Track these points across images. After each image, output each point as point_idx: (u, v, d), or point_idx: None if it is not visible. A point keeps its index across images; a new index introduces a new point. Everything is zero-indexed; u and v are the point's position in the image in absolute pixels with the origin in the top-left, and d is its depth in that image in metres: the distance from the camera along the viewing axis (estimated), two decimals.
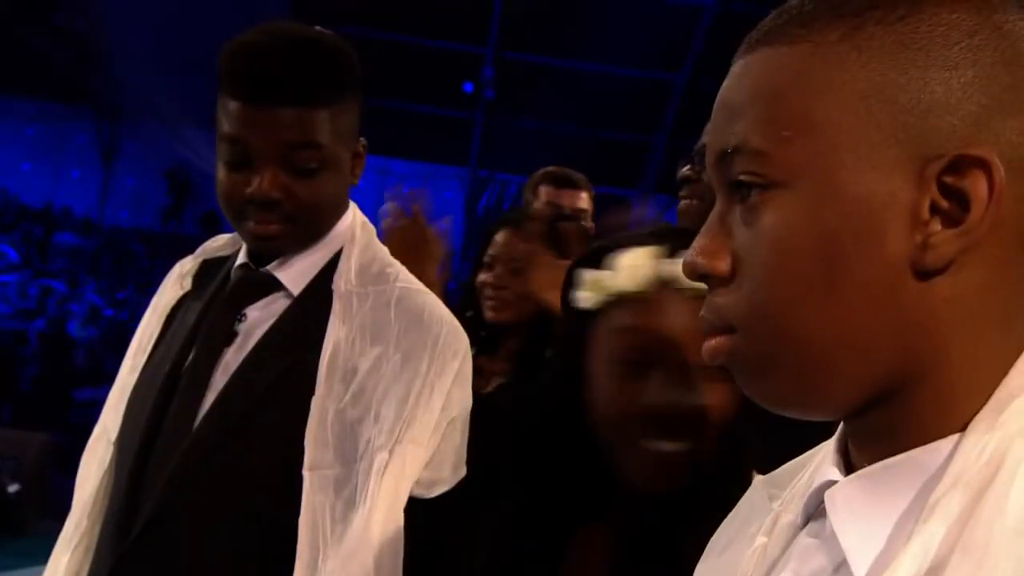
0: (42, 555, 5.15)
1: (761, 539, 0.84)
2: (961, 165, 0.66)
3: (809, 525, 0.78)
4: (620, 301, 1.32)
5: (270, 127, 1.59)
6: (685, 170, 2.34)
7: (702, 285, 1.10)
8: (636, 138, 15.81)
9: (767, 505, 0.87)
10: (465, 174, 15.36)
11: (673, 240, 1.29)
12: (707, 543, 1.04)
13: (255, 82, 1.58)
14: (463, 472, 1.69)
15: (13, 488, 5.79)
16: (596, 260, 1.35)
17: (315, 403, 1.59)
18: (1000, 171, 0.66)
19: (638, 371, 1.29)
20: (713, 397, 1.27)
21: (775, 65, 0.73)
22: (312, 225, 1.70)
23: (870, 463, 0.72)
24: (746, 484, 0.97)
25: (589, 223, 3.07)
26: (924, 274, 0.69)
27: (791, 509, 0.81)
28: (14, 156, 16.57)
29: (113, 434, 1.72)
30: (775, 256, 0.73)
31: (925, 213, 0.67)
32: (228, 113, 1.60)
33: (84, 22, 14.11)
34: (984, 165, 0.66)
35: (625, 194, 15.78)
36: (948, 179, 0.67)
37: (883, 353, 0.72)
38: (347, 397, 1.62)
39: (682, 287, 1.27)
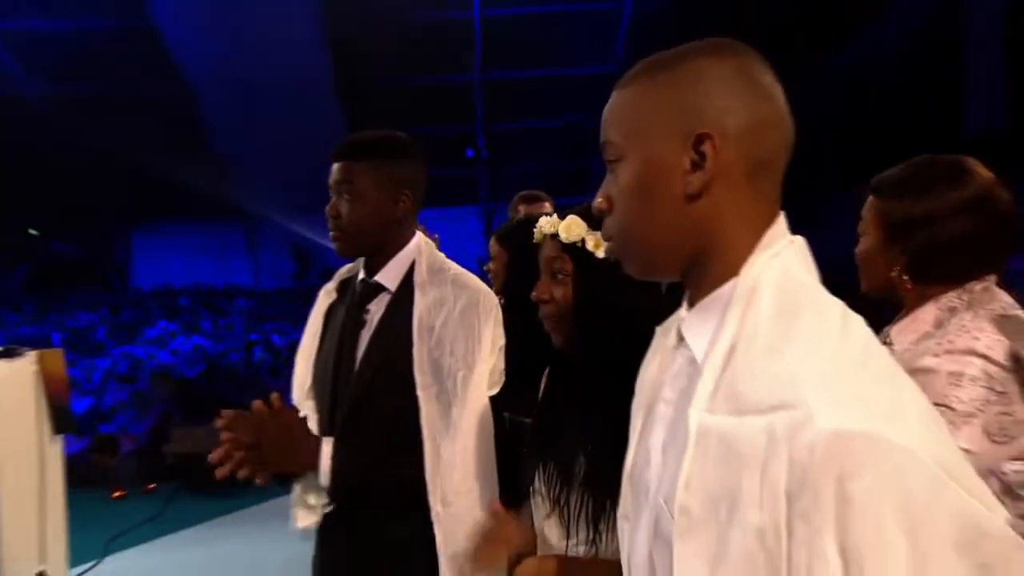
0: (266, 496, 5.34)
1: (658, 358, 0.96)
2: (701, 139, 0.82)
3: (680, 345, 0.90)
4: (538, 243, 1.44)
5: (339, 172, 1.71)
6: None
7: (563, 233, 1.37)
8: (591, 164, 14.70)
9: (662, 340, 0.97)
10: (478, 210, 15.23)
11: (560, 214, 1.40)
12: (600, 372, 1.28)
13: (333, 153, 1.73)
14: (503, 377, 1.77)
15: None
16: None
17: (415, 352, 1.67)
18: (717, 140, 0.81)
19: (541, 278, 1.42)
20: (558, 290, 1.39)
21: (623, 98, 0.89)
22: (353, 238, 1.74)
23: (699, 301, 0.87)
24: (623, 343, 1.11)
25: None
26: (693, 198, 0.83)
27: (671, 338, 0.93)
28: (194, 260, 16.88)
29: (306, 386, 1.84)
30: (623, 196, 0.88)
31: (687, 165, 0.83)
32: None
33: (218, 156, 14.29)
34: (710, 137, 0.81)
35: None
36: (697, 147, 0.82)
37: (683, 242, 0.86)
38: (432, 344, 1.68)
39: (552, 235, 1.39)
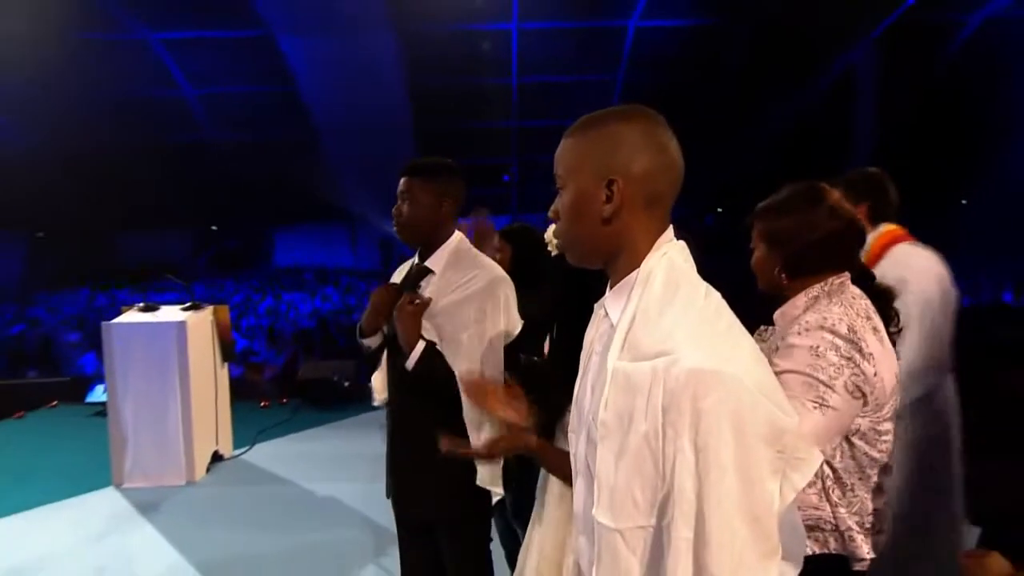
0: (361, 411, 5.28)
1: (595, 324, 0.92)
2: (611, 181, 0.80)
3: (605, 315, 0.86)
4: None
5: (402, 185, 1.62)
6: None
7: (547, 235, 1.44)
8: None
9: (597, 311, 0.92)
10: (510, 220, 13.73)
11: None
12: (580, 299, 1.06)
13: (400, 170, 1.63)
14: (519, 323, 1.63)
15: (347, 384, 5.74)
16: None
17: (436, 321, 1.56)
18: (621, 183, 0.80)
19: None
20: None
21: (566, 145, 0.85)
22: (409, 231, 1.64)
23: (615, 285, 0.85)
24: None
25: None
26: (607, 221, 0.82)
27: (602, 310, 0.89)
28: (314, 249, 16.80)
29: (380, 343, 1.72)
30: (564, 213, 0.86)
31: (603, 198, 0.81)
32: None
33: (332, 177, 13.98)
34: (617, 181, 0.80)
35: None
36: (610, 186, 0.80)
37: (601, 248, 0.85)
38: (448, 313, 1.58)
39: (555, 239, 1.33)
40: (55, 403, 5.82)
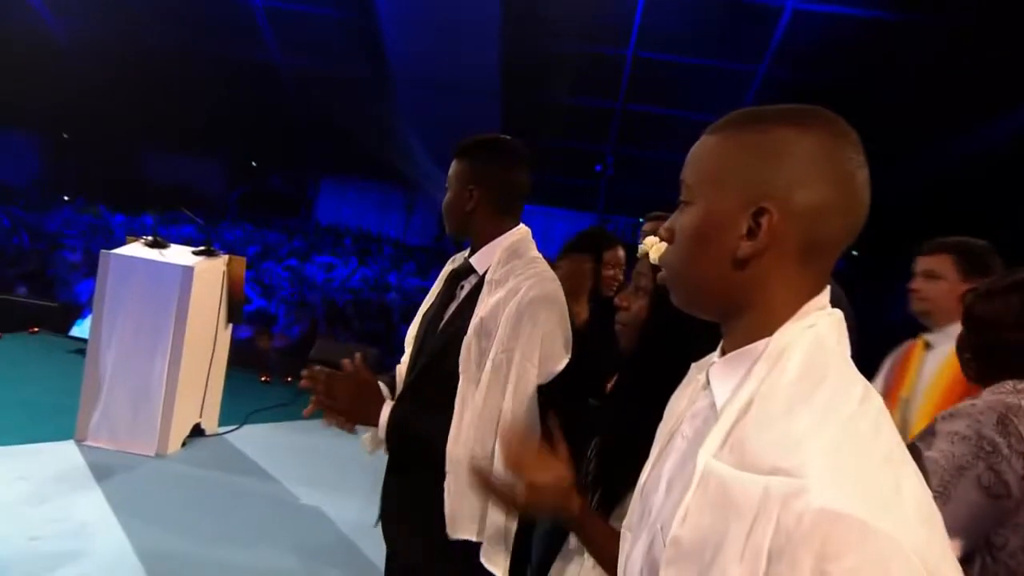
0: None
1: (688, 391, 0.86)
2: (761, 211, 0.71)
3: (707, 387, 0.79)
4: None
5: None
6: None
7: (653, 254, 1.23)
8: None
9: (695, 376, 0.86)
10: (595, 218, 14.60)
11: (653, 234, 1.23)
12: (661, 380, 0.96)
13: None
14: (565, 359, 1.54)
15: None
16: None
17: (465, 338, 1.53)
18: (774, 216, 0.70)
19: (629, 287, 1.34)
20: (636, 302, 1.29)
21: (707, 145, 0.77)
22: (445, 219, 1.66)
23: (731, 351, 0.77)
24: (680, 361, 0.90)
25: None
26: (740, 263, 0.73)
27: (702, 377, 0.81)
28: (362, 209, 17.28)
29: (412, 334, 1.76)
30: (682, 236, 0.78)
31: (743, 230, 0.72)
32: None
33: (399, 132, 14.35)
34: (769, 213, 0.71)
35: None
36: (756, 217, 0.71)
37: (723, 296, 0.76)
38: (482, 333, 1.52)
39: (647, 253, 1.28)
40: (36, 329, 6.04)
